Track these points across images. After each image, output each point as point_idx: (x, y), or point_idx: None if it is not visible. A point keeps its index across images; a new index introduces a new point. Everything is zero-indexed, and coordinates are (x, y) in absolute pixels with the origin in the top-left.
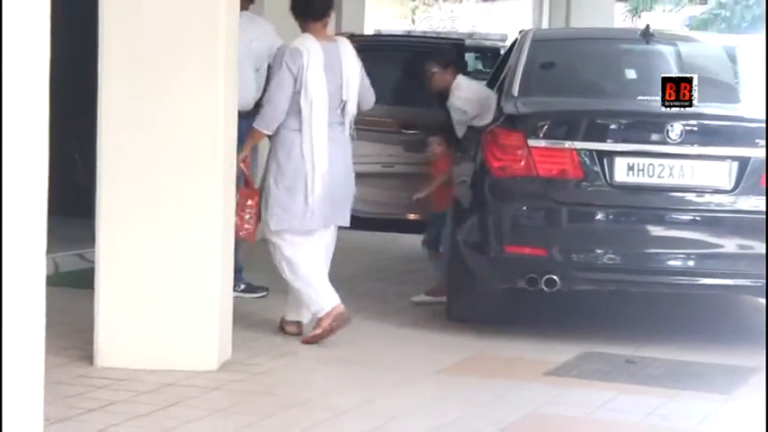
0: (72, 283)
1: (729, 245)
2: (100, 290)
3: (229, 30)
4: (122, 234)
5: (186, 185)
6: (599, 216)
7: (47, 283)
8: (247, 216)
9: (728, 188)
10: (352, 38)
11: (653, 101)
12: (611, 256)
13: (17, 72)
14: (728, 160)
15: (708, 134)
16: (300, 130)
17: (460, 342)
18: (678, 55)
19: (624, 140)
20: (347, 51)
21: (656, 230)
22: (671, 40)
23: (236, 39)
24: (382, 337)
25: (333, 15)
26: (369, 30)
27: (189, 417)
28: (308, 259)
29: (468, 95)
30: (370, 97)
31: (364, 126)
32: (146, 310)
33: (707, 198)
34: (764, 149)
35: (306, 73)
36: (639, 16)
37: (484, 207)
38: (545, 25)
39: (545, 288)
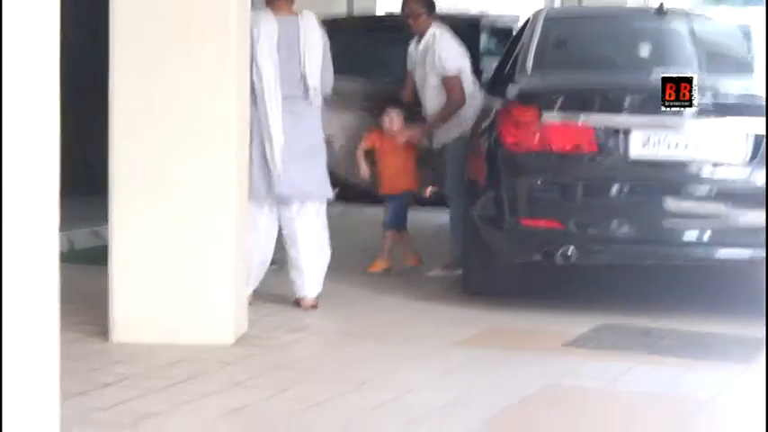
0: (87, 260)
1: (745, 217)
2: (114, 266)
3: (241, 16)
4: (136, 210)
5: (199, 159)
6: (614, 189)
7: (62, 260)
8: None
9: (744, 161)
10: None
11: None
12: (627, 229)
13: (29, 52)
14: (744, 133)
15: (722, 108)
16: (255, 104)
17: (477, 315)
18: (692, 31)
19: (639, 114)
20: (309, 26)
21: (672, 203)
22: (685, 16)
23: (248, 24)
24: (399, 311)
25: None
26: (381, 11)
27: (205, 391)
28: (257, 233)
29: (450, 45)
30: (329, 76)
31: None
32: (161, 285)
33: (722, 171)
34: None
35: (256, 47)
36: None
37: (499, 182)
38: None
39: (561, 261)
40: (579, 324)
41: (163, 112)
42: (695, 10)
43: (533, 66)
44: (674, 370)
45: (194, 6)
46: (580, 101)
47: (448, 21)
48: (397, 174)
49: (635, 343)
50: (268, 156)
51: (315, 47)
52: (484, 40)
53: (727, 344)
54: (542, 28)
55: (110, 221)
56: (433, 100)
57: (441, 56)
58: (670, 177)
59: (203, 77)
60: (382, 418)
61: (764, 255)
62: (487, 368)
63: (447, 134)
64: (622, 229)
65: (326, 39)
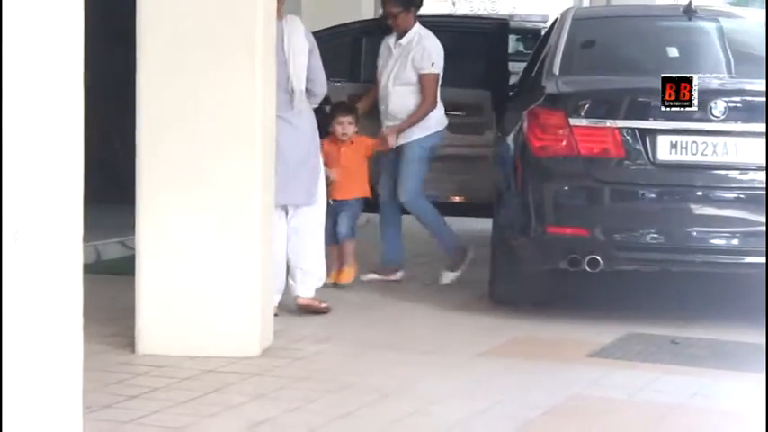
0: (114, 271)
1: None
2: (141, 277)
3: (268, 16)
4: (163, 221)
5: (225, 172)
6: (641, 195)
7: (89, 270)
8: None
9: None
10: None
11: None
12: (655, 235)
13: (53, 56)
14: None
15: (751, 111)
16: None
17: (502, 324)
18: (721, 31)
19: (667, 118)
20: (294, 30)
21: (700, 209)
22: (714, 16)
23: (275, 25)
24: (423, 321)
25: None
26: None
27: (231, 402)
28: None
29: (437, 45)
30: (321, 79)
31: None
32: (187, 297)
33: (750, 175)
34: None
35: None
36: None
37: (525, 188)
38: (586, 5)
39: (588, 269)
40: (605, 333)
41: (191, 116)
42: (724, 9)
43: (561, 68)
44: (700, 380)
45: (221, 9)
46: (607, 104)
47: (476, 23)
48: (349, 180)
49: (661, 352)
50: None
51: (299, 51)
52: (512, 42)
53: (754, 353)
54: (569, 29)
55: (137, 232)
56: (400, 99)
57: (430, 53)
58: (698, 182)
59: (230, 82)
60: (407, 430)
61: None
62: (512, 379)
63: (407, 135)
64: (650, 236)
65: (314, 42)
